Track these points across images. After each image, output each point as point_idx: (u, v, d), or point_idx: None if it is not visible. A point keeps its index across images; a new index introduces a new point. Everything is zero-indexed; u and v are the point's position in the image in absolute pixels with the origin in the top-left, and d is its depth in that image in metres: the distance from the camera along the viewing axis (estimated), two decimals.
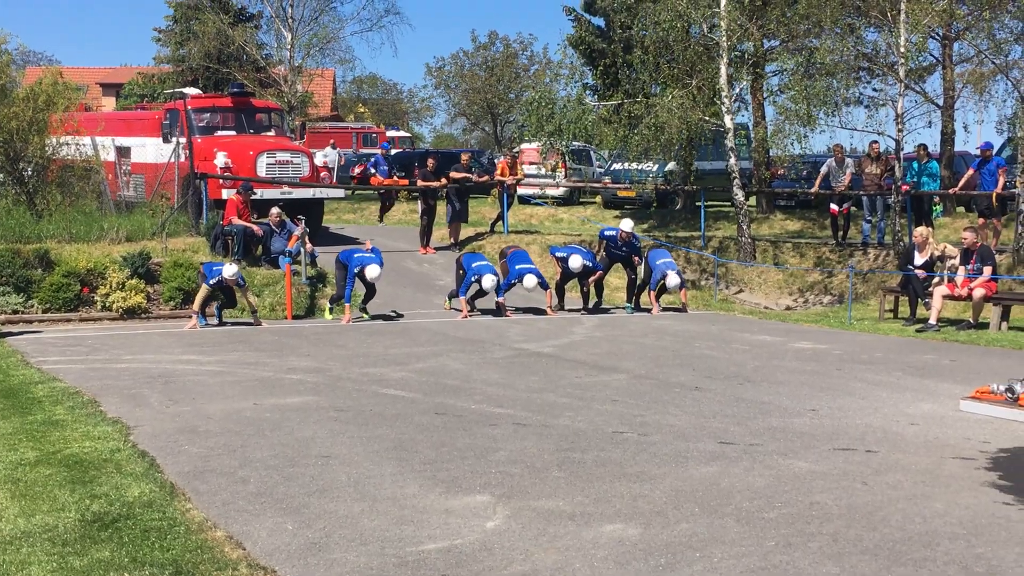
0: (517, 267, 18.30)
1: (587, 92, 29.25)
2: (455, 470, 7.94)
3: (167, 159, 23.34)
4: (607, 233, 20.09)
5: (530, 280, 18.07)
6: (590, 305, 19.44)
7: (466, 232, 25.25)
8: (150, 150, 25.00)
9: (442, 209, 25.07)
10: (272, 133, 25.32)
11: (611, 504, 7.06)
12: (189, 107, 24.19)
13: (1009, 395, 10.25)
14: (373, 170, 27.14)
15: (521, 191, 29.77)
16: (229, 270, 16.60)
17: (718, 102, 23.31)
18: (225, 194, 21.26)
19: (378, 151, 28.02)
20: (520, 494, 7.30)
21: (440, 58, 69.14)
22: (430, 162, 25.21)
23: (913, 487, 7.59)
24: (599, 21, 32.28)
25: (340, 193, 29.36)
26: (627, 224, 19.70)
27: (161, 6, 46.09)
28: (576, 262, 18.78)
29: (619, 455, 8.44)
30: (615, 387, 11.68)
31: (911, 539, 6.37)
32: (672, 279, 18.81)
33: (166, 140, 24.10)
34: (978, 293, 16.48)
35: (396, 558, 6.03)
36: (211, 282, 16.56)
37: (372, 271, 17.31)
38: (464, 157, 25.86)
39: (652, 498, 7.21)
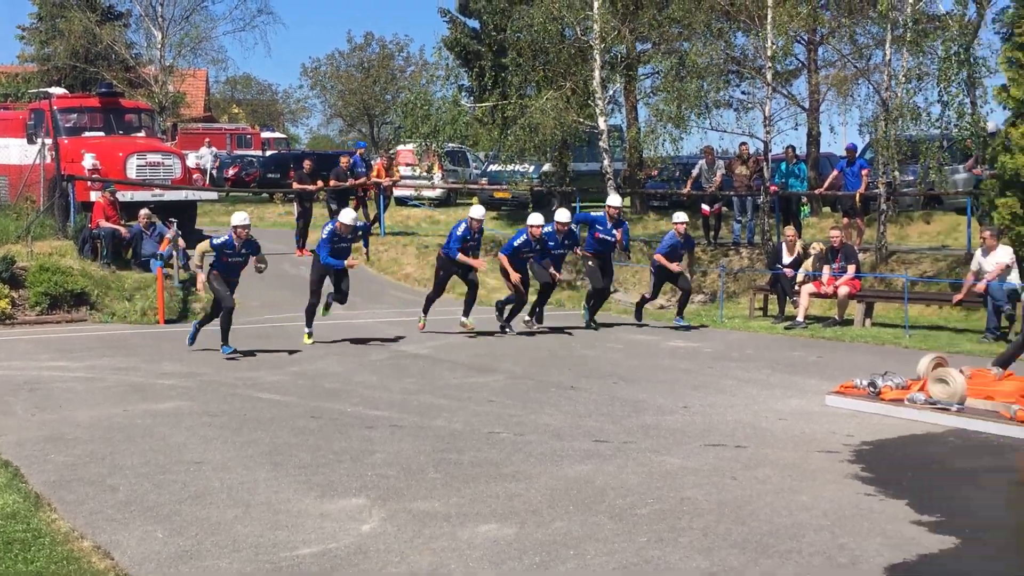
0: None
1: (463, 93, 29.24)
2: (331, 474, 7.89)
3: (32, 161, 22.66)
4: (547, 230, 16.19)
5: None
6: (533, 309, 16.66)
7: None
8: (14, 151, 24.28)
9: (319, 211, 24.89)
10: (142, 134, 24.79)
11: (487, 504, 7.09)
12: (55, 107, 23.56)
13: (871, 389, 10.59)
14: (360, 170, 26.80)
15: (397, 193, 29.70)
16: (239, 216, 14.41)
17: (592, 104, 23.54)
18: (93, 196, 20.77)
19: (357, 152, 27.50)
20: (396, 496, 7.28)
21: (315, 59, 68.45)
22: (306, 164, 24.97)
23: (781, 481, 7.77)
24: (474, 23, 32.30)
25: (214, 195, 28.89)
26: (564, 215, 16.53)
27: (25, 3, 44.80)
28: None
29: (495, 455, 8.48)
30: (492, 388, 11.72)
31: (778, 532, 6.53)
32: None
33: (31, 141, 23.43)
34: (843, 291, 16.94)
35: (270, 564, 5.97)
36: (216, 242, 14.25)
37: (346, 215, 15.06)
38: (344, 160, 25.68)
39: (527, 497, 7.26)
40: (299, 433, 9.31)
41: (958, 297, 16.10)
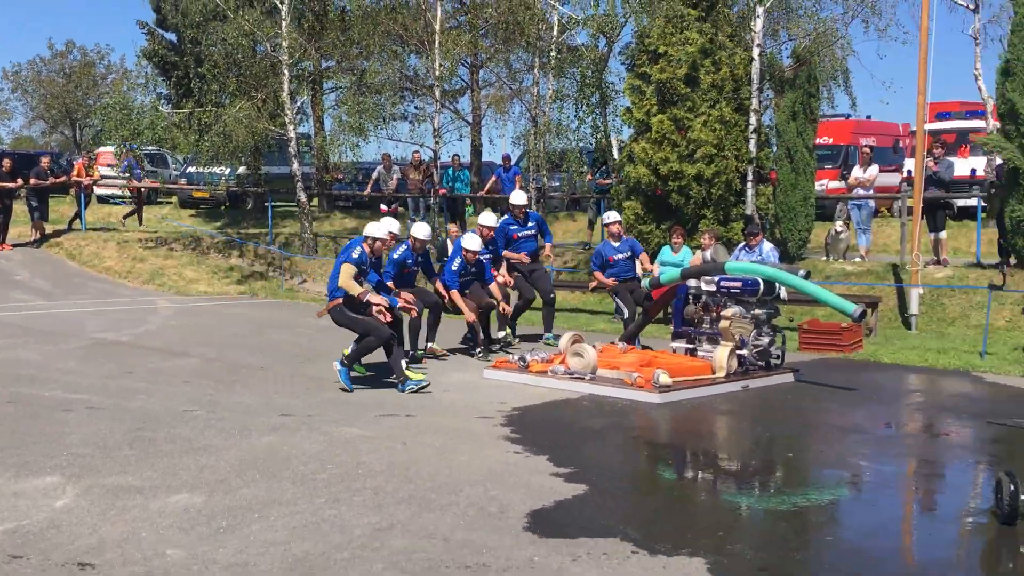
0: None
1: (162, 100, 28.01)
2: (26, 455, 7.34)
3: None
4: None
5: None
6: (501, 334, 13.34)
7: (47, 230, 23.44)
8: None
9: (19, 208, 23.18)
10: None
11: (178, 476, 6.82)
12: None
13: (521, 363, 10.97)
14: (128, 173, 24.95)
15: (99, 191, 28.22)
16: (422, 229, 11.03)
17: (282, 113, 23.10)
18: None
19: (131, 155, 25.61)
20: (91, 473, 6.88)
21: (17, 64, 63.25)
22: (6, 163, 23.12)
23: (444, 444, 7.90)
24: (171, 36, 31.02)
25: None
26: (489, 218, 13.38)
27: None
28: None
29: (188, 431, 8.17)
30: (188, 370, 11.30)
31: (440, 488, 6.63)
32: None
33: None
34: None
35: None
36: (353, 257, 10.32)
37: (421, 230, 11.82)
38: (44, 160, 23.99)
39: (217, 468, 7.05)
40: None
41: (593, 284, 16.90)
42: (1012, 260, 15.61)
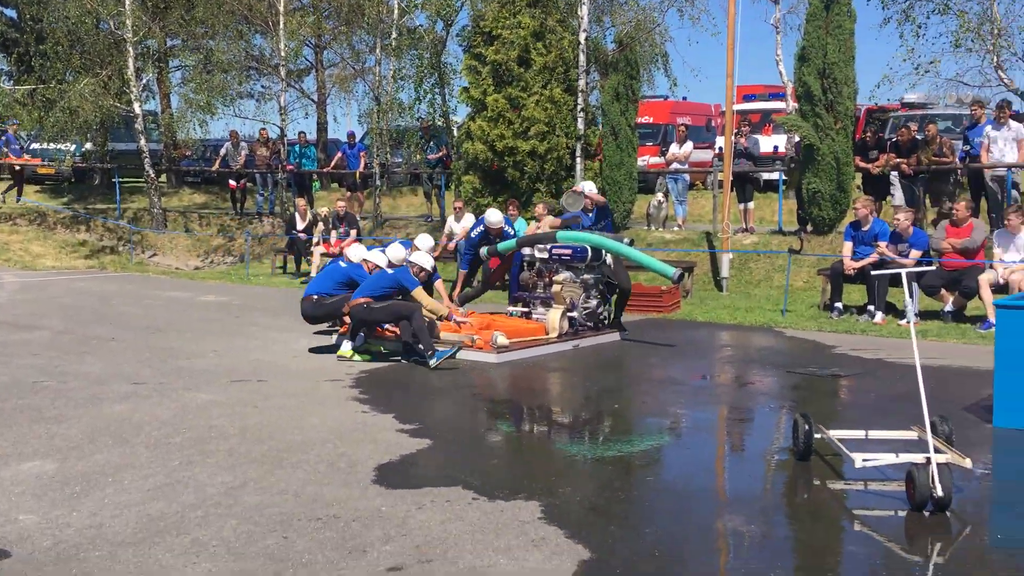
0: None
1: (3, 77, 26.48)
2: None
3: None
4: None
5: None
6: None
7: None
8: None
9: None
10: None
11: (30, 445, 6.54)
12: None
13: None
14: (6, 148, 23.09)
15: None
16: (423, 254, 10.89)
17: (128, 91, 22.17)
18: None
19: (10, 131, 23.73)
20: None
21: None
22: None
23: (295, 406, 7.82)
24: (12, 12, 29.29)
25: None
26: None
27: None
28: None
29: (38, 402, 7.83)
30: (37, 343, 10.80)
31: (291, 447, 6.57)
32: None
33: None
34: (348, 251, 17.21)
35: None
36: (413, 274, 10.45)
37: (424, 241, 11.51)
38: None
39: (69, 436, 6.78)
40: None
41: (435, 254, 16.88)
42: (809, 228, 16.37)
